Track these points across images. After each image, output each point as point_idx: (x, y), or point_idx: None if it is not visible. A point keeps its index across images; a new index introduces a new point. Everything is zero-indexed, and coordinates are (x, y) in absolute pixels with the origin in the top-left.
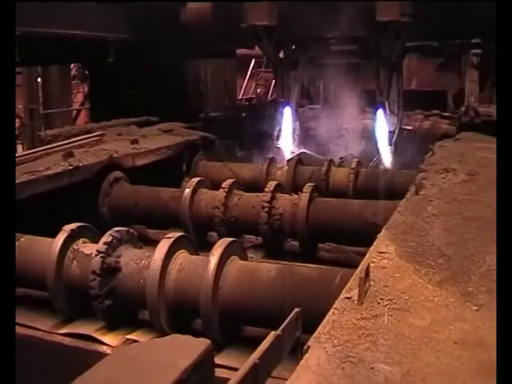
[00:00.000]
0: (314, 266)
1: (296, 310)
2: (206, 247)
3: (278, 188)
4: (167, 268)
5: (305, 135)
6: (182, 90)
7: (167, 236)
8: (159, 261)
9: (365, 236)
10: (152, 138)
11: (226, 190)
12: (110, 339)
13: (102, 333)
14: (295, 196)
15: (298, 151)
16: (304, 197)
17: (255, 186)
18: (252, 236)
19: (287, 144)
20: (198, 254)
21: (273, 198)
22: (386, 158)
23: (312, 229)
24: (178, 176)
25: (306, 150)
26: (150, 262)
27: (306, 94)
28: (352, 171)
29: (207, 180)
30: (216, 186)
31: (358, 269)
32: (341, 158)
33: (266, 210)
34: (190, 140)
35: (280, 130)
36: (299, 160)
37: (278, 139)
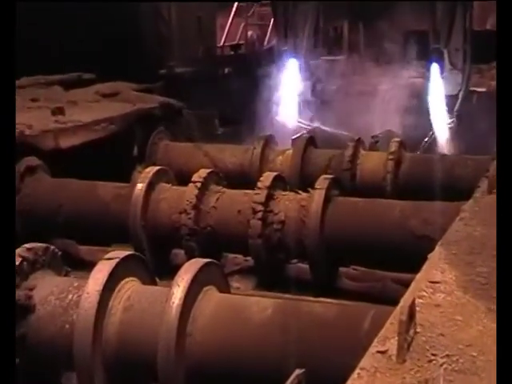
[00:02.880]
0: (332, 301)
1: (298, 371)
2: (167, 272)
3: (278, 182)
4: (107, 306)
5: (319, 102)
6: (133, 34)
7: (108, 256)
8: (94, 294)
9: (409, 256)
10: (86, 105)
11: (198, 184)
12: None
13: None
14: (304, 194)
15: (308, 126)
16: (317, 196)
17: (243, 180)
18: (238, 255)
19: (292, 115)
20: (155, 284)
21: (270, 197)
22: (444, 136)
23: (329, 244)
24: (125, 164)
25: (320, 125)
26: (81, 296)
27: (322, 40)
28: (391, 157)
29: (170, 170)
30: (184, 178)
31: (399, 307)
32: (374, 137)
33: (260, 215)
34: (144, 109)
35: (281, 95)
36: (310, 140)
37: (278, 108)
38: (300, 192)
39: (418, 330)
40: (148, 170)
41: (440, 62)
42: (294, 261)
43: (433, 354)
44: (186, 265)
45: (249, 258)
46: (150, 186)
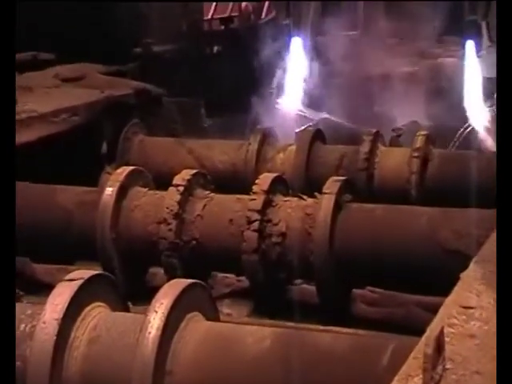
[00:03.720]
0: (344, 330)
1: None
2: (142, 296)
3: (279, 185)
4: (68, 337)
5: (329, 87)
6: (100, 4)
7: (69, 276)
8: (53, 324)
9: (438, 275)
10: (43, 92)
11: (181, 188)
12: None
13: None
14: (309, 200)
15: (315, 117)
16: (326, 202)
17: (236, 182)
18: (229, 275)
19: (295, 104)
20: (127, 310)
21: (268, 203)
22: (481, 128)
23: (341, 261)
24: (92, 164)
25: (329, 116)
26: (36, 326)
27: (332, 11)
28: (416, 154)
29: (147, 171)
30: (164, 181)
31: (424, 338)
32: (396, 130)
33: (256, 225)
34: (114, 97)
35: (282, 79)
36: (317, 133)
37: (278, 95)
38: (305, 197)
39: (448, 366)
40: (119, 170)
41: (476, 37)
42: (298, 281)
43: None
44: (166, 286)
45: (242, 278)
46: (122, 191)
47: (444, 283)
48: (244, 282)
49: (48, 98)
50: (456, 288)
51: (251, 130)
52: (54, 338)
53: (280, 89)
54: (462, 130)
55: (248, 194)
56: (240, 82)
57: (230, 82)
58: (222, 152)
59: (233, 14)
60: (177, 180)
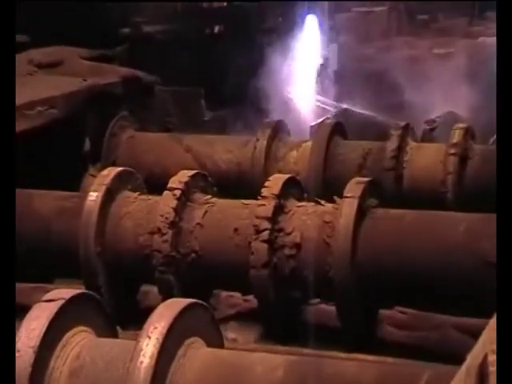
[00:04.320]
0: (370, 358)
1: None
2: (133, 319)
3: (292, 188)
4: (46, 368)
5: (350, 73)
6: None
7: (48, 296)
8: (28, 353)
9: (479, 292)
10: (16, 80)
11: (177, 193)
12: None
13: None
14: (328, 206)
15: (334, 108)
16: (348, 207)
17: (242, 185)
18: (235, 293)
19: (311, 93)
20: (116, 335)
21: (280, 209)
22: None
23: (365, 276)
24: (73, 164)
25: (351, 106)
26: (17, 353)
27: None
28: (453, 150)
29: (137, 173)
30: (157, 184)
31: (464, 366)
32: (429, 123)
33: (266, 236)
34: (99, 86)
35: (295, 64)
36: (337, 127)
37: (290, 82)
38: (322, 202)
39: None
40: (105, 172)
41: None
42: (315, 300)
43: None
44: (161, 307)
45: (250, 297)
46: (109, 196)
47: (486, 302)
48: (252, 301)
49: (21, 87)
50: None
51: (259, 124)
52: (30, 369)
53: (293, 75)
54: None
55: (256, 198)
56: (246, 68)
57: (234, 67)
58: (225, 149)
59: None
60: (173, 183)
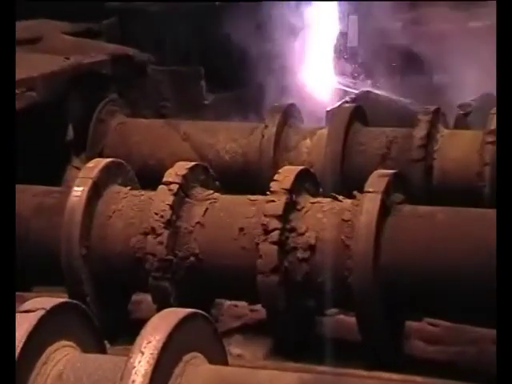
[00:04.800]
0: (396, 376)
1: None
2: (124, 331)
3: (305, 182)
4: None
5: (372, 49)
6: None
7: (26, 306)
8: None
9: None
10: None
11: (174, 187)
12: None
13: None
14: (347, 202)
15: (353, 89)
16: (369, 204)
17: (248, 178)
18: (240, 302)
19: (327, 72)
20: (104, 351)
21: (291, 206)
22: None
23: (390, 283)
24: (54, 154)
25: (372, 88)
26: None
27: None
28: (491, 138)
29: (128, 164)
30: (151, 177)
31: None
32: (463, 107)
33: (276, 236)
34: (84, 65)
35: (310, 39)
36: (357, 112)
37: (303, 60)
38: (340, 198)
39: None
40: (91, 164)
41: None
42: (332, 310)
43: None
44: (155, 319)
45: (257, 307)
46: (95, 191)
47: None
48: (259, 311)
49: None
50: None
51: (268, 108)
52: None
53: (306, 52)
54: None
55: (264, 193)
56: (253, 44)
57: (239, 43)
58: (228, 138)
59: None
60: (169, 176)
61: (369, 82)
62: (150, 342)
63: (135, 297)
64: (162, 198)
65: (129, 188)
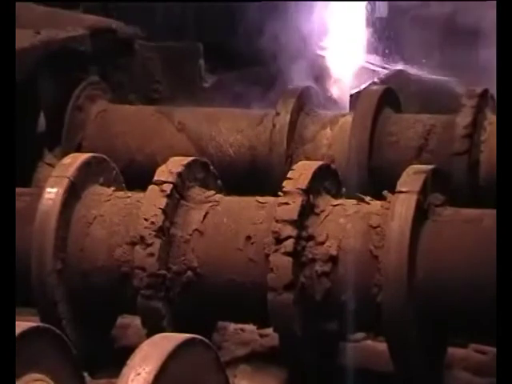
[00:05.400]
0: None
1: None
2: (106, 361)
3: (325, 180)
4: None
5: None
6: None
7: None
8: None
9: None
10: None
11: (167, 188)
12: None
13: None
14: (375, 204)
15: (383, 68)
16: (403, 206)
17: (255, 177)
18: (247, 326)
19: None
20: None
21: (308, 209)
22: None
23: (428, 302)
24: (22, 148)
25: (406, 66)
26: None
27: None
28: None
29: (111, 160)
30: (139, 176)
31: None
32: None
33: (290, 246)
34: (58, 41)
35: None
36: (388, 95)
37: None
38: (368, 199)
39: None
40: (67, 160)
41: None
42: (358, 335)
43: None
44: (146, 346)
45: (268, 331)
46: (73, 193)
47: None
48: (271, 337)
49: None
50: None
51: (279, 92)
52: None
53: (326, 24)
54: None
55: (276, 194)
56: (262, 14)
57: (243, 15)
58: (232, 128)
59: None
60: (161, 174)
61: (401, 59)
62: (138, 374)
63: (121, 320)
64: (152, 200)
65: (113, 189)
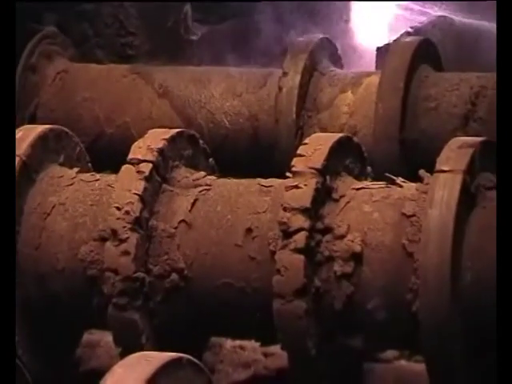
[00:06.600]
0: None
1: None
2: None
3: (345, 157)
4: None
5: None
6: None
7: None
8: None
9: None
10: None
11: (146, 168)
12: None
13: None
14: (409, 187)
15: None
16: (445, 190)
17: (257, 153)
18: (247, 342)
19: None
20: None
21: (325, 194)
22: None
23: (476, 312)
24: None
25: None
26: None
27: None
28: None
29: (73, 134)
30: (109, 153)
31: None
32: None
33: (302, 240)
34: None
35: None
36: (425, 49)
37: None
38: (399, 180)
39: None
40: (18, 133)
41: None
42: (390, 354)
43: None
44: (119, 369)
45: (274, 349)
46: (25, 176)
47: None
48: (277, 356)
49: None
50: None
51: (287, 46)
52: None
53: None
54: None
55: (283, 176)
56: None
57: None
58: (228, 92)
59: None
60: (137, 151)
61: (442, 2)
62: None
63: (88, 336)
64: (127, 184)
65: (76, 170)
